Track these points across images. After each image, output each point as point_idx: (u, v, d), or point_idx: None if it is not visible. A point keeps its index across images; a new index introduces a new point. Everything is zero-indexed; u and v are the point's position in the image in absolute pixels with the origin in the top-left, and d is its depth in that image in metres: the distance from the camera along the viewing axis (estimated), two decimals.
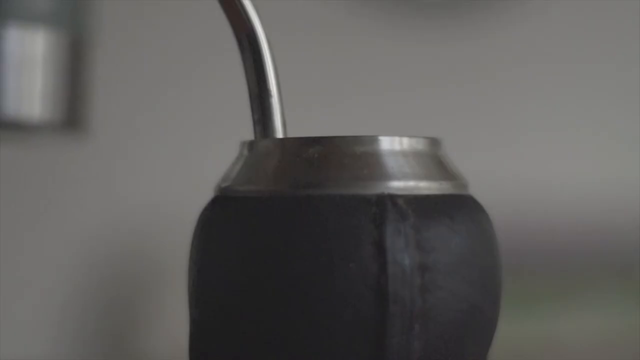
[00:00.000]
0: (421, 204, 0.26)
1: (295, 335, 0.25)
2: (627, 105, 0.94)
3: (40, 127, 0.38)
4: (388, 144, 0.27)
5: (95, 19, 0.41)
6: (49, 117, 0.38)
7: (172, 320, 0.76)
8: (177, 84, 0.83)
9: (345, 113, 0.87)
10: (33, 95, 0.38)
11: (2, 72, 0.37)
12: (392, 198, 0.26)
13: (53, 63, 0.38)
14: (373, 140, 0.27)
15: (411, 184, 0.26)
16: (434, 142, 0.28)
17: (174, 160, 0.82)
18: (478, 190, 0.29)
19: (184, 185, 0.75)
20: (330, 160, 0.26)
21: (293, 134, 0.29)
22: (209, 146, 0.72)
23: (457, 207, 0.27)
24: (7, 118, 0.37)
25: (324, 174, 0.26)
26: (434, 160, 0.27)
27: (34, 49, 0.38)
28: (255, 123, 0.29)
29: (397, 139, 0.27)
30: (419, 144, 0.27)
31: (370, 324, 0.25)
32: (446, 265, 0.26)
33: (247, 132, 0.29)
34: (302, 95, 0.74)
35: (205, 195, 0.29)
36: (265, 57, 0.29)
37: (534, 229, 0.88)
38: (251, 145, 0.28)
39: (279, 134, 0.29)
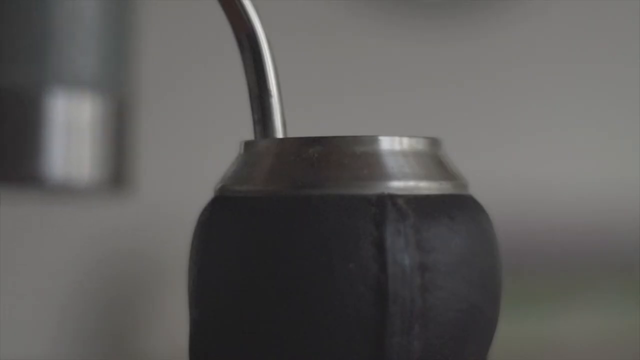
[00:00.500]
0: (421, 204, 0.26)
1: (295, 335, 0.25)
2: (627, 105, 0.94)
3: (88, 186, 0.39)
4: (388, 144, 0.27)
5: (137, 83, 0.42)
6: (97, 177, 0.39)
7: (172, 320, 0.76)
8: (178, 84, 0.83)
9: (345, 113, 0.87)
10: (82, 157, 0.39)
11: (52, 136, 0.38)
12: (392, 198, 0.26)
13: (100, 126, 0.40)
14: (373, 140, 0.27)
15: (411, 184, 0.26)
16: (434, 142, 0.28)
17: (174, 160, 0.82)
18: (478, 190, 0.29)
19: (184, 185, 0.75)
20: (330, 160, 0.26)
21: (293, 134, 0.29)
22: (209, 146, 0.72)
23: (457, 207, 0.27)
24: (58, 179, 0.38)
25: (324, 174, 0.26)
26: (434, 160, 0.27)
27: (81, 113, 0.39)
28: (255, 123, 0.29)
29: (397, 139, 0.27)
30: (419, 144, 0.27)
31: (370, 324, 0.25)
32: (446, 265, 0.26)
33: (247, 132, 0.29)
34: (302, 95, 0.74)
35: (205, 195, 0.29)
36: (265, 57, 0.29)
37: (534, 229, 0.88)
38: (251, 145, 0.28)
39: (279, 134, 0.29)
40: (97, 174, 0.39)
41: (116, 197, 0.42)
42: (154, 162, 0.69)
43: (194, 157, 0.82)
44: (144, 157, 0.47)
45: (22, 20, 0.38)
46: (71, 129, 0.39)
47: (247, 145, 0.28)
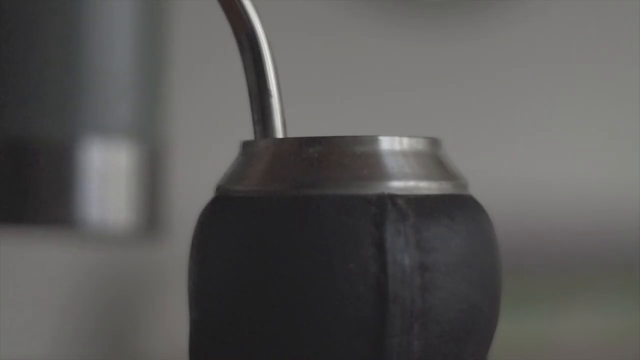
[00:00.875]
0: (421, 204, 0.26)
1: (295, 335, 0.25)
2: (627, 105, 0.94)
3: (125, 232, 0.41)
4: (388, 144, 0.27)
5: (170, 130, 0.43)
6: (133, 221, 0.41)
7: (172, 320, 0.76)
8: (183, 84, 0.83)
9: (345, 113, 0.87)
10: (118, 202, 0.40)
11: (88, 184, 0.39)
12: (392, 198, 0.26)
13: (135, 172, 0.41)
14: (373, 140, 0.27)
15: (411, 184, 0.26)
16: (434, 142, 0.28)
17: (174, 160, 0.82)
18: (478, 190, 0.29)
19: (184, 185, 0.75)
20: (330, 160, 0.26)
21: (293, 134, 0.29)
22: (209, 146, 0.72)
23: (457, 207, 0.27)
24: (94, 225, 0.40)
25: (324, 174, 0.26)
26: (434, 160, 0.27)
27: (117, 159, 0.40)
28: (255, 123, 0.29)
29: (397, 139, 0.27)
30: (419, 144, 0.27)
31: (370, 324, 0.25)
32: (446, 265, 0.26)
33: (247, 132, 0.29)
34: (302, 95, 0.74)
35: (205, 195, 0.29)
36: (265, 57, 0.29)
37: (534, 229, 0.88)
38: (251, 145, 0.28)
39: (279, 134, 0.29)
40: (132, 219, 0.40)
41: (151, 241, 0.43)
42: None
43: (194, 157, 0.82)
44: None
45: (55, 70, 0.39)
46: (108, 174, 0.40)
47: (247, 145, 0.28)
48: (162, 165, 0.42)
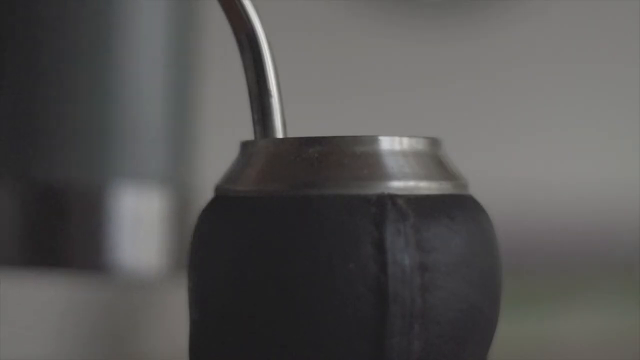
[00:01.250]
0: (421, 204, 0.26)
1: (295, 336, 0.25)
2: (627, 105, 0.94)
3: (156, 277, 0.41)
4: (388, 144, 0.27)
5: (198, 177, 0.44)
6: (164, 266, 0.41)
7: (172, 321, 0.76)
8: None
9: (345, 113, 0.87)
10: (150, 247, 0.41)
11: (121, 227, 0.40)
12: (392, 198, 0.26)
13: (168, 217, 0.41)
14: (373, 140, 0.27)
15: (411, 184, 0.26)
16: (434, 142, 0.28)
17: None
18: (478, 190, 0.29)
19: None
20: (330, 160, 0.26)
21: (293, 134, 0.29)
22: (209, 146, 0.72)
23: (457, 207, 0.27)
24: (126, 269, 0.40)
25: (324, 174, 0.26)
26: (434, 160, 0.27)
27: (149, 205, 0.41)
28: (255, 123, 0.29)
29: (397, 139, 0.27)
30: (419, 144, 0.27)
31: (370, 324, 0.25)
32: (446, 265, 0.26)
33: (247, 132, 0.29)
34: (302, 95, 0.74)
35: (205, 195, 0.29)
36: (265, 57, 0.29)
37: (534, 229, 0.88)
38: (251, 145, 0.28)
39: (279, 134, 0.29)
40: (164, 264, 0.41)
41: (181, 285, 0.44)
42: None
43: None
44: None
45: (87, 116, 0.40)
46: (138, 222, 0.40)
47: (247, 145, 0.28)
48: (194, 211, 0.43)
